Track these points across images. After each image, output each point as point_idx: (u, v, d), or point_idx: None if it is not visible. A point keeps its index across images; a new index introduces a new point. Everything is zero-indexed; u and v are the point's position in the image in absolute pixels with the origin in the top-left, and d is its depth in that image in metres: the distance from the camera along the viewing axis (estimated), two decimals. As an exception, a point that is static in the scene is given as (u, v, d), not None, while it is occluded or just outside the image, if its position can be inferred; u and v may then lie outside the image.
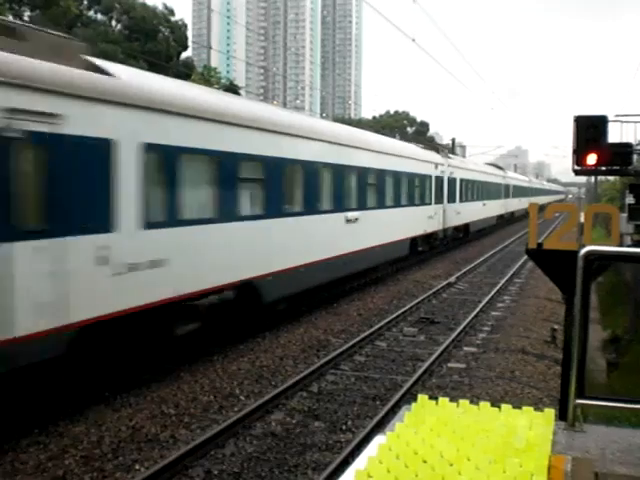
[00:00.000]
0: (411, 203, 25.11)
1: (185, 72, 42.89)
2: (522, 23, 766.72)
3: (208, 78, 45.18)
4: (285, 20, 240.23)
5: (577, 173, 14.07)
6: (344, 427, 9.51)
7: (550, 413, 3.91)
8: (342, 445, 8.78)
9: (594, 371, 13.96)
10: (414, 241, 26.09)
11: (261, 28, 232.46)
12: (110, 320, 9.35)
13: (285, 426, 9.48)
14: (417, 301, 19.16)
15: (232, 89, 47.53)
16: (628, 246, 12.00)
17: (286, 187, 14.67)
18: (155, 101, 10.29)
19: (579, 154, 13.11)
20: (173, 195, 10.62)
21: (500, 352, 14.06)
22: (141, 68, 20.85)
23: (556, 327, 15.59)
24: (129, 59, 34.49)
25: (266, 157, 13.58)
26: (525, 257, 24.73)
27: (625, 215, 14.77)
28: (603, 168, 13.83)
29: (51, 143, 8.38)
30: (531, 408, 3.98)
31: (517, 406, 4.04)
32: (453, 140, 58.98)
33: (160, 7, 48.06)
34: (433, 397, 4.13)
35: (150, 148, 10.06)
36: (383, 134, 31.15)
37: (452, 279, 23.82)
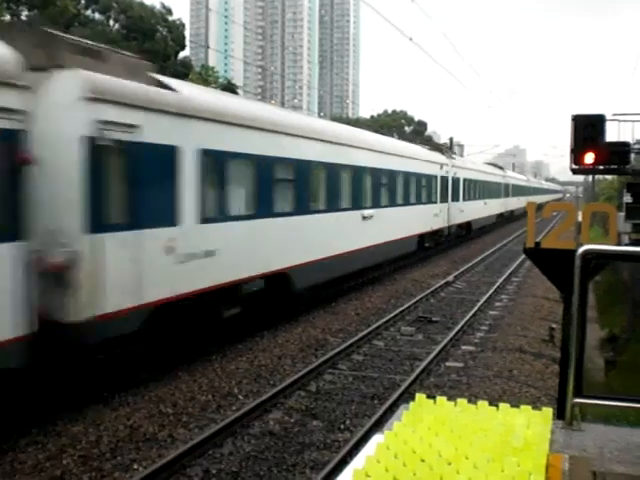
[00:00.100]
0: (419, 202, 26.64)
1: (183, 72, 42.86)
2: (521, 22, 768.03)
3: (206, 77, 45.21)
4: (283, 19, 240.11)
5: (575, 172, 14.10)
6: (342, 426, 9.52)
7: (548, 412, 3.91)
8: (340, 444, 8.78)
9: (592, 370, 13.98)
10: (421, 237, 27.47)
11: (259, 27, 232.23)
12: (174, 302, 10.83)
13: (283, 425, 9.48)
14: (415, 300, 19.17)
15: (230, 88, 47.51)
16: (626, 245, 12.03)
17: (312, 187, 16.32)
18: (209, 112, 11.84)
19: (577, 153, 13.13)
20: (222, 194, 12.24)
21: (498, 351, 14.08)
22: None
23: (554, 326, 15.61)
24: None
25: (296, 160, 15.20)
26: (523, 256, 24.73)
27: (623, 214, 14.79)
28: (601, 167, 13.85)
29: (132, 150, 9.81)
30: (529, 407, 3.98)
31: (515, 405, 4.04)
32: (451, 139, 58.88)
33: (158, 6, 48.00)
34: (431, 396, 4.13)
35: (205, 153, 11.58)
36: (382, 133, 31.66)
37: (450, 278, 23.84)
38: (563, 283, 5.01)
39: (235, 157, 12.60)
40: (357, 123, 71.67)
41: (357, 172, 19.18)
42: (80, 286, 8.89)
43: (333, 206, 17.51)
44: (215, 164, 11.93)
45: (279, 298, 15.15)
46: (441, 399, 4.05)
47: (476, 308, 18.23)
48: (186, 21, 58.32)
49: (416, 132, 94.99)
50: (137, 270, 9.83)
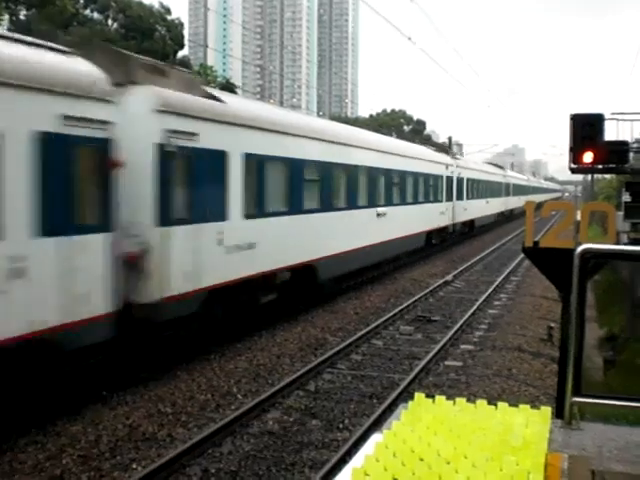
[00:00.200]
0: (427, 200, 28.24)
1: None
2: (521, 22, 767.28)
3: (204, 77, 45.11)
4: (281, 18, 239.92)
5: (574, 171, 14.10)
6: (341, 425, 9.52)
7: (547, 411, 3.91)
8: (339, 443, 8.78)
9: (591, 369, 13.99)
10: (429, 234, 29.05)
11: (257, 27, 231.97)
12: (222, 288, 12.25)
13: (282, 424, 9.48)
14: (414, 299, 19.18)
15: (228, 88, 47.49)
16: (624, 244, 12.04)
17: (334, 186, 17.87)
18: (250, 120, 13.38)
19: (576, 152, 13.12)
20: (261, 193, 13.77)
21: (497, 350, 14.09)
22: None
23: (552, 325, 15.63)
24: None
25: (321, 162, 16.82)
26: (521, 255, 24.74)
27: (621, 213, 14.79)
28: (599, 166, 13.84)
29: (192, 155, 11.31)
30: (528, 406, 3.98)
31: (514, 404, 4.05)
32: (449, 138, 58.90)
33: (156, 6, 48.01)
34: (430, 395, 4.13)
35: (248, 157, 13.12)
36: (381, 133, 32.16)
37: (449, 277, 23.86)
38: (562, 282, 5.01)
39: (270, 160, 14.15)
40: (356, 122, 71.62)
41: (373, 173, 20.71)
42: (151, 272, 10.40)
43: (352, 204, 19.00)
44: (255, 166, 13.45)
45: (306, 288, 16.75)
46: (440, 398, 4.06)
47: (475, 307, 18.24)
48: (185, 20, 58.29)
49: (415, 131, 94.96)
50: (195, 259, 11.37)
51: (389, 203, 22.38)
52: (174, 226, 10.82)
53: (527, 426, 3.63)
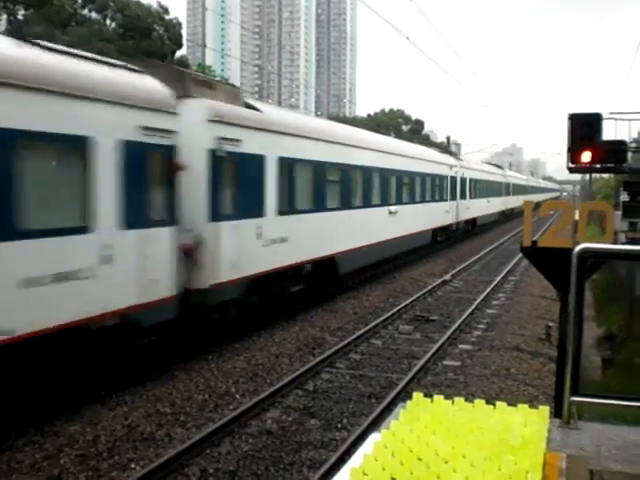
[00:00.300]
0: (433, 199, 29.79)
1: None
2: (520, 22, 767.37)
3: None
4: (280, 18, 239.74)
5: (572, 171, 14.08)
6: (339, 425, 9.52)
7: (545, 410, 3.92)
8: (338, 443, 8.78)
9: (589, 368, 13.98)
10: (435, 232, 30.52)
11: (256, 26, 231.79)
12: (259, 277, 13.79)
13: (281, 424, 9.48)
14: (412, 299, 19.18)
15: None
16: (622, 244, 12.04)
17: (353, 186, 19.49)
18: (282, 126, 14.93)
19: (574, 152, 13.11)
20: (292, 192, 15.37)
21: (495, 350, 14.09)
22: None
23: (551, 324, 15.62)
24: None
25: (341, 164, 18.38)
26: (520, 255, 24.75)
27: (619, 213, 14.79)
28: (598, 166, 13.82)
29: (237, 159, 12.86)
30: (526, 405, 3.99)
31: (512, 403, 4.05)
32: (448, 138, 58.95)
33: (155, 5, 47.86)
34: (428, 395, 4.14)
35: (281, 160, 14.69)
36: (379, 132, 32.66)
37: (447, 277, 23.87)
38: (560, 282, 5.00)
39: (299, 162, 15.73)
40: (354, 122, 71.62)
41: (386, 174, 22.36)
42: (204, 262, 11.88)
43: (368, 203, 20.62)
44: (286, 168, 15.00)
45: (327, 279, 18.28)
46: (438, 398, 4.06)
47: (473, 307, 18.24)
48: (183, 20, 58.28)
49: (413, 131, 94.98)
50: (239, 250, 12.88)
51: (399, 202, 23.92)
52: (223, 222, 12.32)
53: (525, 425, 3.63)
